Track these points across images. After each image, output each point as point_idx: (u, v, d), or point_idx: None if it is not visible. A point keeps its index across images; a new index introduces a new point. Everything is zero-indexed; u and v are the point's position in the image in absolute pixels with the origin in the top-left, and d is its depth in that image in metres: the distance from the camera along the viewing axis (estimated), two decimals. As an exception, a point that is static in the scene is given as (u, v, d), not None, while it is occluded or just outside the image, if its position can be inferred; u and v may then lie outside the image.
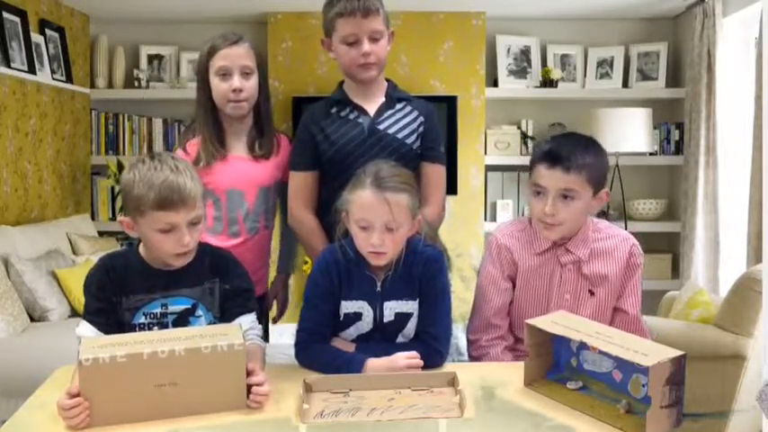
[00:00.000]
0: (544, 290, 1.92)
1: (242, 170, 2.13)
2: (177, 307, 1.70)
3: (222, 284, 1.74)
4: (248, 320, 1.74)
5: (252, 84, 2.09)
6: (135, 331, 1.67)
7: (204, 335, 1.51)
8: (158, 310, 1.69)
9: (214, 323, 1.71)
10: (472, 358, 1.97)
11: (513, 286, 1.95)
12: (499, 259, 1.95)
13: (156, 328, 1.68)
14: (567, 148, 1.83)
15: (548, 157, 1.84)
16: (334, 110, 2.14)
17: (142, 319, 1.68)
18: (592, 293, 1.91)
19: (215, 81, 2.08)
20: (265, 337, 1.94)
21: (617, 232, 1.95)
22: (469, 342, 1.99)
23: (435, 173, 2.16)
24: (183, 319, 1.70)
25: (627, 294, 1.93)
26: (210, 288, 1.73)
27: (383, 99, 2.14)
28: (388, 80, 2.19)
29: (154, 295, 1.69)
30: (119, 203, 4.76)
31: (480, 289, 1.97)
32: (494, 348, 1.92)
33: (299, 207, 2.15)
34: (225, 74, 2.06)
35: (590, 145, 1.88)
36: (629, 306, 1.93)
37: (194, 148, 2.12)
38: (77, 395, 1.43)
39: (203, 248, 1.75)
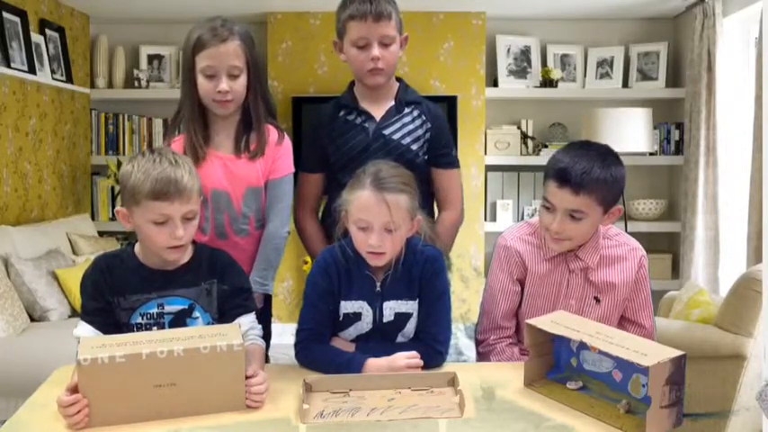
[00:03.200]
0: (552, 296, 1.91)
1: (227, 169, 2.01)
2: (173, 307, 1.70)
3: (220, 285, 1.73)
4: (248, 320, 1.74)
5: (239, 84, 1.96)
6: (132, 332, 1.66)
7: (203, 335, 1.51)
8: (155, 311, 1.69)
9: (212, 324, 1.70)
10: (480, 355, 1.98)
11: (522, 288, 1.94)
12: (508, 263, 1.93)
13: (154, 328, 1.67)
14: (581, 167, 1.75)
15: (558, 175, 1.77)
16: (341, 113, 2.13)
17: (139, 320, 1.68)
18: (597, 300, 1.90)
19: (200, 79, 1.95)
20: (266, 336, 1.91)
21: (627, 240, 1.94)
22: (477, 342, 1.99)
23: (450, 177, 2.16)
24: (179, 320, 1.69)
25: (640, 307, 1.93)
26: (208, 289, 1.72)
27: (392, 103, 2.12)
28: (399, 80, 2.17)
29: (150, 295, 1.68)
30: (119, 203, 4.76)
31: (489, 293, 1.97)
32: (500, 343, 1.93)
33: (304, 211, 2.16)
34: (211, 74, 1.93)
35: (606, 161, 1.78)
36: (644, 319, 1.93)
37: (179, 146, 2.00)
38: (76, 390, 1.43)
39: (201, 249, 1.75)
